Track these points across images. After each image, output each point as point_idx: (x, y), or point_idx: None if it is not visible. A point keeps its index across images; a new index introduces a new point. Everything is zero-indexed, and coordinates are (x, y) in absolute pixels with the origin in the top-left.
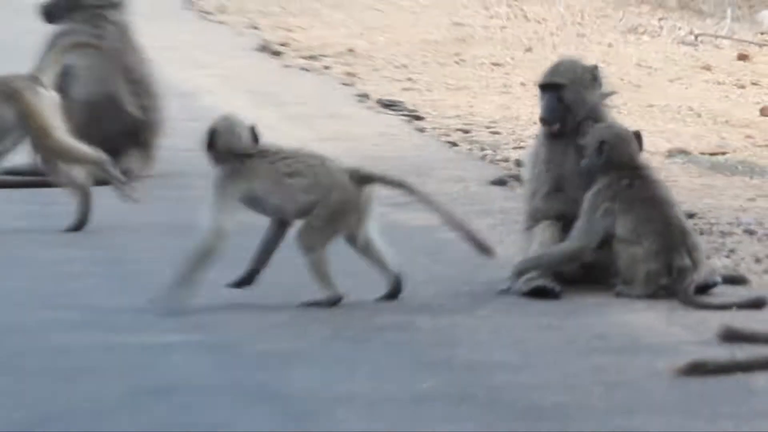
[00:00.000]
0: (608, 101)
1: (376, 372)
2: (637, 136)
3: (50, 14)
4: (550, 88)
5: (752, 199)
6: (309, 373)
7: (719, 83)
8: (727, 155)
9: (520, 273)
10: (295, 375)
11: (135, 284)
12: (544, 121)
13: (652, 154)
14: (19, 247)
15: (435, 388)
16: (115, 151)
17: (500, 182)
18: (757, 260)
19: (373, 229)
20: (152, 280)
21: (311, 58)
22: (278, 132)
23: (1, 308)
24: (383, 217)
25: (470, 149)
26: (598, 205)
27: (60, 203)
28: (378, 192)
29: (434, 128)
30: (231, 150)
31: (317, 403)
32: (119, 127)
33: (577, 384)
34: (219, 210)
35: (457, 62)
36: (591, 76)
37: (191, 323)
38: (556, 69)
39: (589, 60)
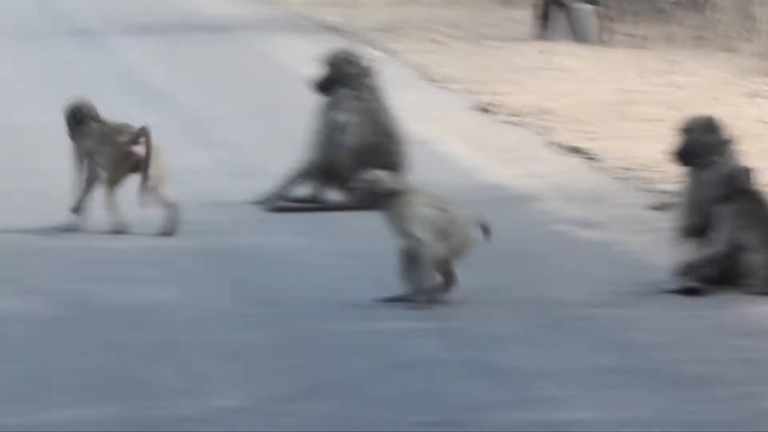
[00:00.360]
0: (730, 145)
1: (566, 350)
2: (748, 170)
3: (322, 87)
4: (679, 133)
5: None
6: (515, 351)
7: None
8: None
9: (678, 273)
10: (504, 353)
11: (378, 282)
12: (672, 156)
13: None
14: (292, 256)
15: (611, 363)
16: None
17: (657, 207)
18: None
19: None
20: (388, 277)
21: (514, 114)
22: (490, 171)
23: (288, 302)
24: (569, 233)
25: (634, 183)
26: (731, 222)
27: (327, 223)
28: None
29: (607, 167)
30: (388, 191)
31: (521, 374)
32: (376, 167)
33: (717, 359)
34: (415, 227)
35: (622, 118)
36: (708, 125)
37: (425, 314)
38: (683, 121)
39: (718, 116)
